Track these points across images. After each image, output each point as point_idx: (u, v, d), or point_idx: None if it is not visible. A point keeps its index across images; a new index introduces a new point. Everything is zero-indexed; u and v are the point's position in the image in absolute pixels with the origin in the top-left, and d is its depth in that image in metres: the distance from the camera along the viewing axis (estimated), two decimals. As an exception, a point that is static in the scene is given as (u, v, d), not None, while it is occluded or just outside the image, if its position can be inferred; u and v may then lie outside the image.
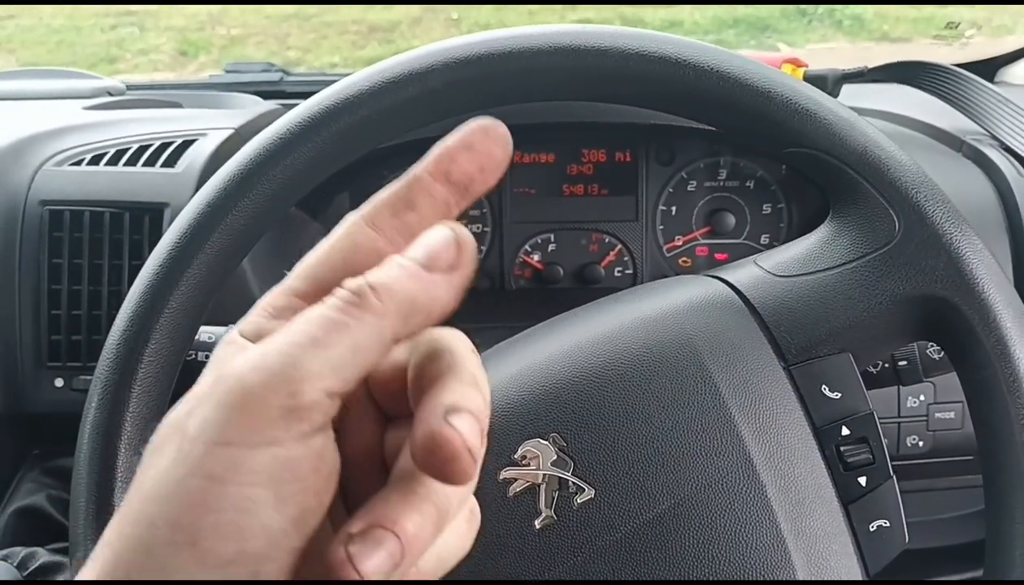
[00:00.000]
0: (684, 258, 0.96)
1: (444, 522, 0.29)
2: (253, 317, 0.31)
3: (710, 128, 0.51)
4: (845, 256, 0.46)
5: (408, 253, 0.30)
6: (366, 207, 0.32)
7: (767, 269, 0.48)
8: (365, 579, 0.26)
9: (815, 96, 0.47)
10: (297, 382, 0.26)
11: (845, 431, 0.44)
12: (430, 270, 0.29)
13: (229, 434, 0.26)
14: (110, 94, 1.12)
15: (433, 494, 0.29)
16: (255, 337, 0.30)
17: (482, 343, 0.53)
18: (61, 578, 0.74)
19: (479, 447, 0.28)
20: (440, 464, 0.27)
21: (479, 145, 0.32)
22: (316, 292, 0.30)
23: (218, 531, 0.26)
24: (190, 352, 0.57)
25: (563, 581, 0.41)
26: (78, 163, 0.85)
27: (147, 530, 0.26)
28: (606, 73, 0.47)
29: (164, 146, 0.86)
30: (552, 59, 0.46)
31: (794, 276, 0.47)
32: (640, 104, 0.49)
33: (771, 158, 0.94)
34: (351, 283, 0.28)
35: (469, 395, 0.28)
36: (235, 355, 0.29)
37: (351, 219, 0.32)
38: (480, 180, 0.32)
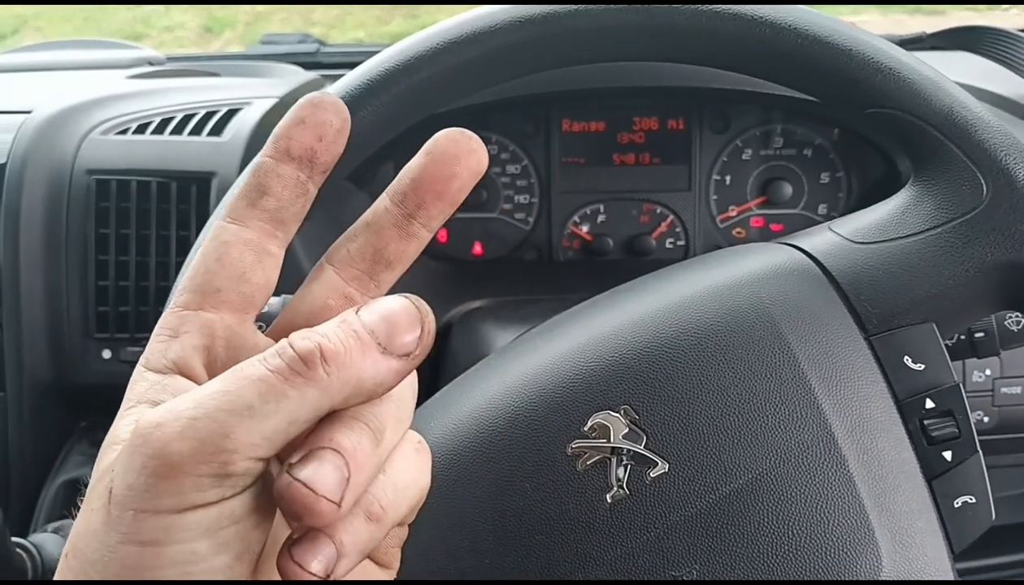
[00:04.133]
0: (738, 229, 0.94)
1: (381, 438, 0.28)
2: (153, 345, 0.31)
3: (766, 94, 0.49)
4: (929, 222, 0.44)
5: (367, 321, 0.28)
6: (221, 207, 0.32)
7: (844, 236, 0.46)
8: (320, 494, 0.26)
9: (898, 54, 0.45)
10: (229, 453, 0.26)
11: (929, 404, 0.42)
12: (385, 352, 0.28)
13: (156, 503, 0.25)
14: (150, 64, 1.11)
15: (360, 413, 0.28)
16: (162, 366, 0.30)
17: (529, 315, 0.52)
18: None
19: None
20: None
21: (310, 117, 0.32)
22: (203, 300, 0.31)
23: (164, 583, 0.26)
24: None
25: (635, 557, 0.40)
26: (123, 132, 0.84)
27: None
28: (678, 30, 0.45)
29: (209, 115, 0.85)
30: (620, 16, 0.45)
31: (874, 243, 0.45)
32: (712, 64, 0.47)
33: (828, 125, 0.91)
34: (300, 344, 0.27)
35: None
36: (157, 396, 0.29)
37: (213, 222, 0.33)
38: (322, 150, 0.32)
